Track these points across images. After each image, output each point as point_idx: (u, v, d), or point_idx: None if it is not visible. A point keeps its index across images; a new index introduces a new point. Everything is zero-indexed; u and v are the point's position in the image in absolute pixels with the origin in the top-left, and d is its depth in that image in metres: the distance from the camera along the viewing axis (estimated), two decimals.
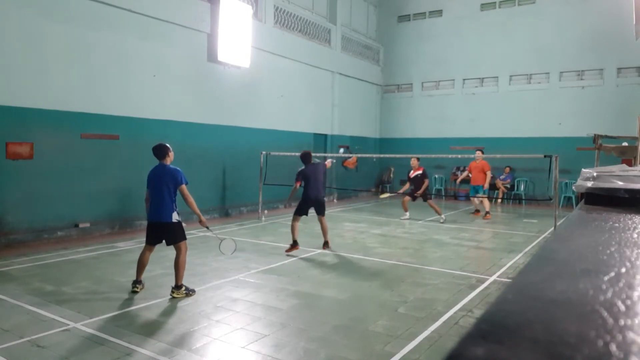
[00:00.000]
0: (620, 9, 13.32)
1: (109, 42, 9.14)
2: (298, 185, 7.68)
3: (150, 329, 4.32)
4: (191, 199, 5.41)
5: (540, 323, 0.46)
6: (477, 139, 16.31)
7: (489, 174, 11.93)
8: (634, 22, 8.48)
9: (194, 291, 5.37)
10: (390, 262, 7.12)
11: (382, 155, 16.51)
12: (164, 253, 7.41)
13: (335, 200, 15.92)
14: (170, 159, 5.65)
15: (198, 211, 5.46)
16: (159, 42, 10.12)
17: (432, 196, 12.26)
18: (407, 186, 11.74)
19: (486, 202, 12.07)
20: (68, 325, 4.38)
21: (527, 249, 8.18)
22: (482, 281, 6.10)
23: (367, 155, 16.11)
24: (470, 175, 12.40)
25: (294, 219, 7.62)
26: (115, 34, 9.25)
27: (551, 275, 0.64)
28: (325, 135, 15.89)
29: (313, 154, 8.11)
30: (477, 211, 12.48)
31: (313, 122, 15.23)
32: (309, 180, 7.66)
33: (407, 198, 11.76)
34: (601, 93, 14.77)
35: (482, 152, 11.86)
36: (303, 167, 7.80)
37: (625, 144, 10.01)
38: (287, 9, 14.11)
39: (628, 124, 12.15)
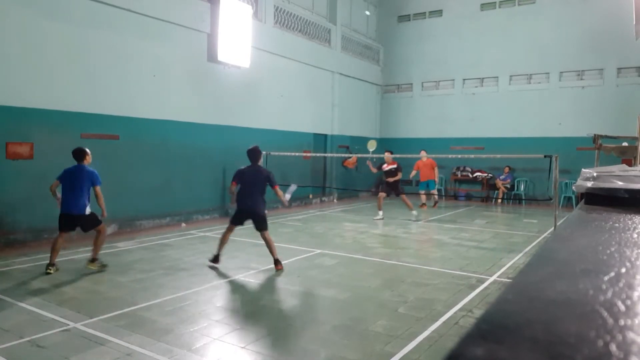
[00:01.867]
0: (620, 9, 13.31)
1: (109, 42, 9.13)
2: (233, 187, 6.55)
3: (150, 329, 4.31)
4: (102, 197, 6.33)
5: (540, 323, 0.46)
6: (477, 139, 16.32)
7: (436, 170, 14.07)
8: (634, 22, 8.48)
9: (106, 265, 6.35)
10: (390, 262, 7.12)
11: (382, 155, 16.48)
12: (165, 253, 7.42)
13: (335, 200, 15.92)
14: (87, 161, 6.44)
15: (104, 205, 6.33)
16: (159, 42, 10.12)
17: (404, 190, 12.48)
18: (374, 170, 12.09)
19: (424, 197, 13.93)
20: (68, 325, 4.38)
21: (527, 249, 8.18)
22: (482, 281, 6.10)
23: (367, 155, 16.11)
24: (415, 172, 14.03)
25: (227, 229, 6.59)
26: (115, 34, 9.24)
27: (551, 275, 0.64)
28: (325, 135, 15.89)
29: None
30: (424, 204, 13.86)
31: (313, 122, 15.23)
32: (244, 185, 6.50)
33: (383, 194, 11.69)
34: (601, 93, 14.77)
35: (426, 152, 13.56)
36: (244, 166, 6.67)
37: (625, 144, 10.01)
38: (287, 9, 14.11)
39: (628, 124, 12.14)
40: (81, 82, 8.72)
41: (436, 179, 14.19)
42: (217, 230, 9.62)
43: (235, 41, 11.63)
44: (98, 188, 6.26)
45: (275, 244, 6.51)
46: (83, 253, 7.40)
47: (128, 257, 7.18)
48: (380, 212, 11.63)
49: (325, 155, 15.25)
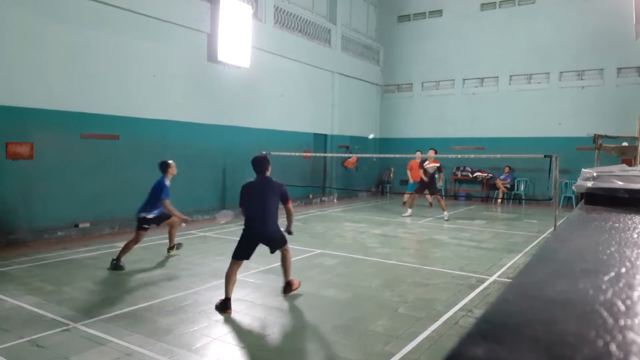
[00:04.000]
0: (620, 9, 13.32)
1: (108, 42, 9.14)
2: (242, 208, 5.22)
3: (150, 329, 4.31)
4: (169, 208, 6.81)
5: (540, 323, 0.46)
6: (477, 139, 16.32)
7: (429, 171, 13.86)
8: (634, 22, 8.49)
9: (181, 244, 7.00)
10: (390, 262, 7.12)
11: (382, 155, 16.52)
12: (165, 253, 7.41)
13: (335, 200, 15.92)
14: (171, 173, 7.07)
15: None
16: (159, 42, 10.12)
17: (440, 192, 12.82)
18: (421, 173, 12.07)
19: (406, 195, 13.66)
20: (68, 325, 4.38)
21: (527, 249, 8.18)
22: (482, 281, 6.10)
23: (367, 155, 16.12)
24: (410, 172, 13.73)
25: (231, 265, 5.02)
26: (115, 34, 9.25)
27: (551, 275, 0.64)
28: (325, 135, 15.90)
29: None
30: (404, 202, 13.80)
31: (313, 122, 15.23)
32: (251, 203, 5.11)
33: (415, 194, 12.13)
34: (601, 93, 14.77)
35: (421, 153, 12.98)
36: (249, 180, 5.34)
37: (625, 144, 10.01)
38: (287, 9, 14.11)
39: (628, 124, 12.14)
40: (81, 82, 8.72)
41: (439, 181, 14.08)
42: (217, 230, 9.62)
43: (235, 41, 11.63)
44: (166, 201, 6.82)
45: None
46: (83, 253, 7.40)
47: (128, 257, 7.18)
48: (409, 210, 12.00)
49: (325, 155, 15.26)
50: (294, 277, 5.54)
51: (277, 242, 5.21)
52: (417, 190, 12.09)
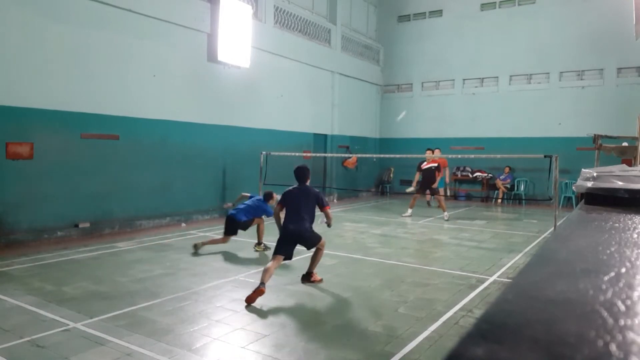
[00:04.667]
0: (620, 9, 13.32)
1: (109, 42, 9.14)
2: (279, 209, 5.91)
3: (150, 329, 4.31)
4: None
5: (540, 323, 0.46)
6: (477, 139, 16.32)
7: (446, 170, 14.00)
8: (634, 22, 8.49)
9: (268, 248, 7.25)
10: (390, 262, 7.12)
11: (382, 155, 16.52)
12: (164, 253, 7.42)
13: (335, 200, 15.91)
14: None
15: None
16: (158, 42, 10.12)
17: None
18: (416, 176, 12.20)
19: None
20: (68, 325, 4.38)
21: (527, 249, 8.18)
22: (482, 281, 6.10)
23: (367, 155, 16.12)
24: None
25: (272, 259, 5.61)
26: (115, 34, 9.25)
27: (551, 275, 0.64)
28: (325, 135, 15.90)
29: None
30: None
31: (313, 122, 15.23)
32: (291, 207, 5.80)
33: (417, 195, 12.17)
34: (601, 93, 14.77)
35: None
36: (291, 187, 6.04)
37: (625, 144, 10.01)
38: (287, 9, 14.11)
39: (628, 124, 12.15)
40: (81, 82, 8.72)
41: (447, 179, 13.96)
42: (217, 230, 9.62)
43: (235, 41, 11.63)
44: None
45: (274, 244, 5.87)
46: (83, 253, 7.40)
47: (128, 257, 7.18)
48: (410, 210, 12.03)
49: (325, 155, 15.25)
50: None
51: (311, 241, 5.84)
52: (419, 191, 12.13)
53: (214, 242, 7.66)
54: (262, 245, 7.82)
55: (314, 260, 5.96)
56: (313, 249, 5.94)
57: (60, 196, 8.38)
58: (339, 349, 3.96)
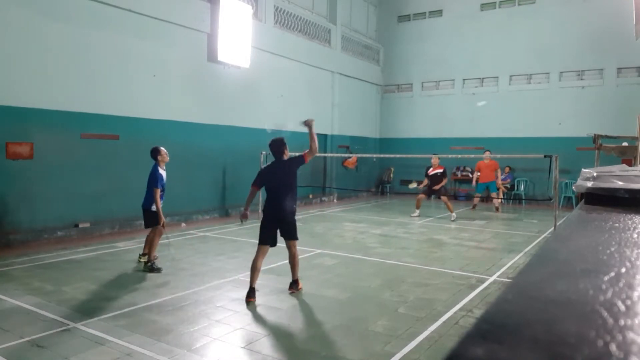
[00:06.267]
0: (620, 9, 13.31)
1: (108, 42, 9.14)
2: (253, 190, 5.41)
3: (150, 329, 4.31)
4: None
5: (540, 323, 0.46)
6: (477, 139, 16.31)
7: (499, 172, 13.55)
8: (634, 22, 8.49)
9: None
10: (390, 262, 7.12)
11: (382, 155, 16.52)
12: (165, 253, 7.41)
13: (335, 200, 15.92)
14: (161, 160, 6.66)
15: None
16: (158, 42, 10.12)
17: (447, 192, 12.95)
18: (425, 182, 12.19)
19: (477, 199, 13.76)
20: (68, 325, 4.38)
21: (527, 249, 8.18)
22: (482, 281, 6.10)
23: (367, 155, 16.11)
24: (479, 174, 13.65)
25: (257, 251, 5.22)
26: (115, 34, 9.24)
27: (551, 275, 0.64)
28: (325, 135, 15.89)
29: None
30: (475, 206, 13.78)
31: None
32: (270, 186, 5.34)
33: (422, 196, 12.19)
34: (601, 93, 14.77)
35: (490, 153, 12.96)
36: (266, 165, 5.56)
37: (625, 144, 10.00)
38: (287, 9, 14.11)
39: (628, 124, 12.14)
40: (81, 82, 8.72)
41: (498, 182, 13.64)
42: (217, 230, 9.63)
43: (235, 41, 11.63)
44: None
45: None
46: (83, 253, 7.40)
47: (128, 257, 7.18)
48: (418, 211, 12.10)
49: (325, 155, 15.24)
50: (292, 282, 5.53)
51: (292, 227, 5.33)
52: (425, 193, 12.19)
53: (155, 243, 6.49)
54: (148, 259, 6.35)
55: (294, 266, 5.47)
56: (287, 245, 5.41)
57: (60, 196, 8.38)
58: (339, 349, 3.96)
